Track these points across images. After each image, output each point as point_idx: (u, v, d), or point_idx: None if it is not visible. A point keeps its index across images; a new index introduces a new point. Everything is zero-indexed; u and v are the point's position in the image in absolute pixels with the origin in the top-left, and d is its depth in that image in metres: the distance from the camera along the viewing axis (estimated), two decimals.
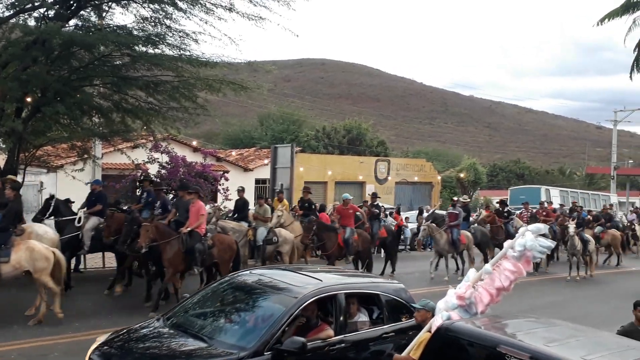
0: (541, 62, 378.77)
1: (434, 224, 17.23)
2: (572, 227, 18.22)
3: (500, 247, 18.15)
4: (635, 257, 24.61)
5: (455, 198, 18.90)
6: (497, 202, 21.26)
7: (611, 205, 30.53)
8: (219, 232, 13.06)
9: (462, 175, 48.84)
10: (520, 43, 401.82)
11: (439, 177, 45.52)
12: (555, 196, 36.80)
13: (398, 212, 23.62)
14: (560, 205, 27.83)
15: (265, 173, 28.63)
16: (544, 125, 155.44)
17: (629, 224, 25.61)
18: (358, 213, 16.39)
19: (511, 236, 17.50)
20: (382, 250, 18.70)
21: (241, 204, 15.57)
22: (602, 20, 15.10)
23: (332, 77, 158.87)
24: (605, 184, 56.08)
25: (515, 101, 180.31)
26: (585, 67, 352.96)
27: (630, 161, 65.43)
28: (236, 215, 15.56)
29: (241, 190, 15.96)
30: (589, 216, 22.63)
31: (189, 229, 11.24)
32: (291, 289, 6.45)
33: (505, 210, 19.59)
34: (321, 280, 6.80)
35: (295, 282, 6.63)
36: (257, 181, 31.44)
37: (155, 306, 10.81)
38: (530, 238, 6.31)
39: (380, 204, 19.25)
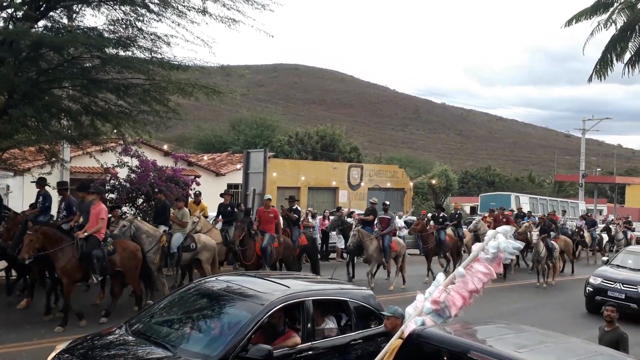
0: (510, 70, 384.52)
1: (364, 230, 16.24)
2: (535, 233, 18.25)
3: (428, 255, 17.88)
4: (586, 263, 24.54)
5: (387, 202, 17.93)
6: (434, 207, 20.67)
7: (564, 211, 30.82)
8: (133, 233, 12.29)
9: (433, 181, 49.24)
10: (490, 51, 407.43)
11: (411, 184, 45.83)
12: (525, 203, 37.32)
13: None
14: (528, 212, 28.21)
15: (237, 178, 28.50)
16: (514, 133, 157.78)
17: (577, 230, 25.57)
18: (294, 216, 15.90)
19: (442, 243, 18.19)
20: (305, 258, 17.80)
21: (162, 207, 14.18)
22: (570, 22, 15.17)
23: (306, 83, 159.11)
24: (574, 192, 57.06)
25: (486, 109, 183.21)
26: (554, 77, 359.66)
27: (598, 169, 66.72)
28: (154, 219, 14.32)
29: (158, 192, 14.86)
30: (529, 221, 22.13)
31: (85, 233, 10.34)
32: (258, 295, 6.37)
33: (441, 215, 19.09)
34: (289, 287, 6.72)
35: (263, 289, 6.55)
36: (230, 186, 31.24)
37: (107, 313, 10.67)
38: (503, 240, 6.35)
39: (300, 209, 17.97)
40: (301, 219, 18.06)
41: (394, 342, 5.84)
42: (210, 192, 19.59)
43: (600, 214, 48.92)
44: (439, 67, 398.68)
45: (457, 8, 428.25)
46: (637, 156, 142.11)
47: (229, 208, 15.51)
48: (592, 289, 14.91)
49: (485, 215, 24.41)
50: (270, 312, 6.12)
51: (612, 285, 14.57)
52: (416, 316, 6.10)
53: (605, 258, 17.85)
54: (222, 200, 16.08)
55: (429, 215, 21.05)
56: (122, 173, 16.78)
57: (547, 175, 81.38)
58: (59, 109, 13.95)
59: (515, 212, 26.26)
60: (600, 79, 14.02)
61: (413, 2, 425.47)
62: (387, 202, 17.85)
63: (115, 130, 15.75)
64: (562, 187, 68.81)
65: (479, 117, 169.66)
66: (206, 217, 14.76)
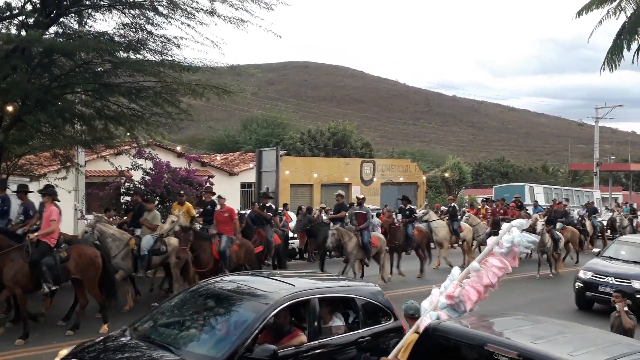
0: (521, 61, 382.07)
1: (343, 228, 15.30)
2: (540, 223, 17.76)
3: (397, 251, 16.96)
4: (589, 252, 24.06)
5: (361, 196, 17.05)
6: (399, 199, 18.89)
7: (567, 199, 29.23)
8: (98, 238, 11.70)
9: (446, 174, 49.05)
10: (500, 42, 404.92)
11: (424, 177, 45.69)
12: (539, 193, 37.09)
13: (384, 213, 23.62)
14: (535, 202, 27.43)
15: (250, 177, 28.61)
16: (527, 124, 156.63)
17: (580, 219, 24.57)
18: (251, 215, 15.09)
19: (409, 239, 17.01)
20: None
21: (137, 209, 13.43)
22: (580, 12, 15.02)
23: (316, 80, 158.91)
24: (589, 181, 56.60)
25: (498, 100, 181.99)
26: (565, 65, 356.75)
27: (612, 157, 66.09)
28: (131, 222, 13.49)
29: (134, 194, 14.48)
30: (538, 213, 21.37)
31: (36, 234, 9.66)
32: (263, 295, 6.32)
33: (408, 208, 17.56)
34: (294, 286, 6.66)
35: (267, 288, 6.51)
36: (243, 185, 31.39)
37: (75, 326, 10.04)
38: (517, 234, 6.29)
39: (273, 206, 16.75)
40: (282, 217, 17.50)
41: (410, 337, 5.87)
42: (224, 192, 19.65)
43: (616, 202, 48.53)
44: (449, 60, 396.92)
45: (465, 1, 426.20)
46: None
47: (209, 206, 14.31)
48: (581, 284, 13.78)
49: (479, 207, 23.84)
50: (275, 312, 6.08)
51: (604, 280, 13.37)
52: (431, 311, 6.11)
53: (596, 249, 16.63)
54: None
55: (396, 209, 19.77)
56: (137, 175, 16.91)
57: (561, 165, 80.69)
58: (72, 114, 14.10)
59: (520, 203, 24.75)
60: (612, 70, 13.87)
61: None
62: (362, 196, 17.03)
63: (128, 133, 15.88)
64: (576, 176, 68.23)
65: (491, 109, 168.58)
66: (193, 217, 13.87)
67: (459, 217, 20.04)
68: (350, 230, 15.25)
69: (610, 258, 14.67)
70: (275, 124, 55.22)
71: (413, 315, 6.45)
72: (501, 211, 19.88)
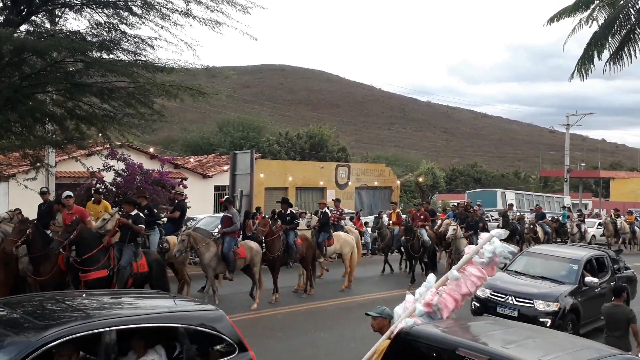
0: (493, 68, 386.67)
1: (199, 233, 12.81)
2: (452, 228, 17.34)
3: (274, 265, 13.92)
4: None
5: (231, 198, 14.90)
6: (277, 201, 16.37)
7: (510, 204, 28.12)
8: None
9: (420, 179, 49.40)
10: (471, 50, 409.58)
11: (399, 182, 45.99)
12: (511, 199, 37.60)
13: (358, 217, 23.69)
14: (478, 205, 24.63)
15: (224, 180, 28.41)
16: (499, 130, 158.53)
17: (529, 225, 23.83)
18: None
19: (291, 248, 13.95)
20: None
21: (46, 209, 12.67)
22: (551, 20, 15.21)
23: (292, 83, 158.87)
24: (559, 187, 57.51)
25: (471, 107, 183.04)
26: (537, 74, 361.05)
27: (582, 164, 67.34)
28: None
29: (44, 193, 13.51)
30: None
31: None
32: (30, 328, 4.82)
33: (289, 212, 14.68)
34: (86, 314, 5.21)
35: (44, 318, 5.08)
36: (217, 188, 31.21)
37: None
38: (499, 244, 6.32)
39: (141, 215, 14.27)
40: (255, 221, 16.05)
41: (383, 343, 5.83)
42: (198, 194, 19.55)
43: (586, 208, 49.35)
44: (423, 66, 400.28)
45: (439, 8, 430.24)
46: (620, 150, 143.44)
47: (146, 211, 12.96)
48: (478, 304, 11.36)
49: (390, 211, 21.88)
50: (38, 352, 4.56)
51: (503, 299, 11.05)
52: (406, 317, 6.06)
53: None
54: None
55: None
56: (109, 177, 16.70)
57: (532, 171, 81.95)
58: (43, 113, 13.87)
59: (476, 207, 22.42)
60: (582, 78, 14.04)
61: (397, 2, 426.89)
62: (231, 198, 14.91)
63: (100, 134, 15.67)
64: (547, 182, 69.31)
65: (464, 115, 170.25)
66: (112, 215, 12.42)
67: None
68: (207, 237, 12.81)
69: (516, 272, 12.26)
70: (251, 127, 55.10)
71: (380, 316, 6.15)
72: (422, 216, 18.15)
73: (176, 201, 14.52)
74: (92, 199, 13.73)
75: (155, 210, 14.06)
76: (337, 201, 17.59)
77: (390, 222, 20.56)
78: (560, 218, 26.87)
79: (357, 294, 15.25)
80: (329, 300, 14.26)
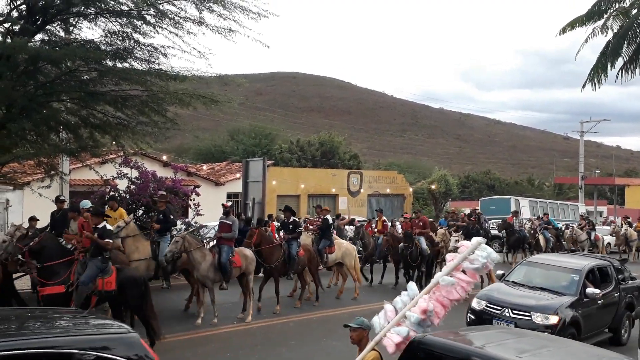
0: (505, 74, 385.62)
1: (193, 238, 12.43)
2: (454, 239, 16.90)
3: (273, 275, 13.30)
4: None
5: (229, 204, 14.17)
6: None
7: (515, 212, 26.60)
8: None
9: (433, 186, 49.24)
10: (483, 56, 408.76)
11: (411, 189, 45.88)
12: (524, 206, 37.30)
13: (369, 225, 23.62)
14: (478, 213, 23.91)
15: (237, 187, 28.54)
16: (513, 137, 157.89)
17: (532, 232, 23.47)
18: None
19: (292, 260, 13.40)
20: None
21: (60, 217, 12.59)
22: (563, 30, 15.17)
23: (304, 91, 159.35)
24: (574, 194, 57.08)
25: (484, 113, 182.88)
26: (550, 79, 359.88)
27: (597, 171, 66.80)
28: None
29: (62, 202, 13.40)
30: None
31: None
32: None
33: (292, 221, 14.25)
34: None
35: None
36: (229, 195, 31.30)
37: None
38: (490, 250, 6.31)
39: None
40: (268, 228, 15.28)
41: (370, 354, 5.69)
42: (210, 202, 19.60)
43: (601, 216, 48.93)
44: (436, 73, 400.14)
45: (451, 14, 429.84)
46: (635, 157, 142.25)
47: (161, 215, 13.10)
48: (473, 317, 10.94)
49: (370, 220, 21.59)
50: None
51: (499, 312, 10.56)
52: (395, 326, 5.91)
53: (500, 271, 12.72)
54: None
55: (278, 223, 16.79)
56: (122, 185, 16.78)
57: (546, 178, 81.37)
58: (58, 122, 13.98)
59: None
60: (594, 88, 13.94)
61: (408, 9, 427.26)
62: (229, 204, 14.31)
63: (114, 142, 15.77)
64: (561, 189, 68.85)
65: (477, 121, 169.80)
66: (127, 223, 12.70)
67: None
68: (199, 242, 12.45)
69: (514, 283, 11.83)
70: (263, 135, 55.27)
71: (360, 327, 5.93)
72: (420, 224, 17.71)
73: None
74: (110, 205, 13.54)
75: (172, 217, 13.92)
76: (318, 207, 16.96)
77: (376, 229, 19.88)
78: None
79: (370, 302, 15.09)
80: (342, 308, 14.30)
